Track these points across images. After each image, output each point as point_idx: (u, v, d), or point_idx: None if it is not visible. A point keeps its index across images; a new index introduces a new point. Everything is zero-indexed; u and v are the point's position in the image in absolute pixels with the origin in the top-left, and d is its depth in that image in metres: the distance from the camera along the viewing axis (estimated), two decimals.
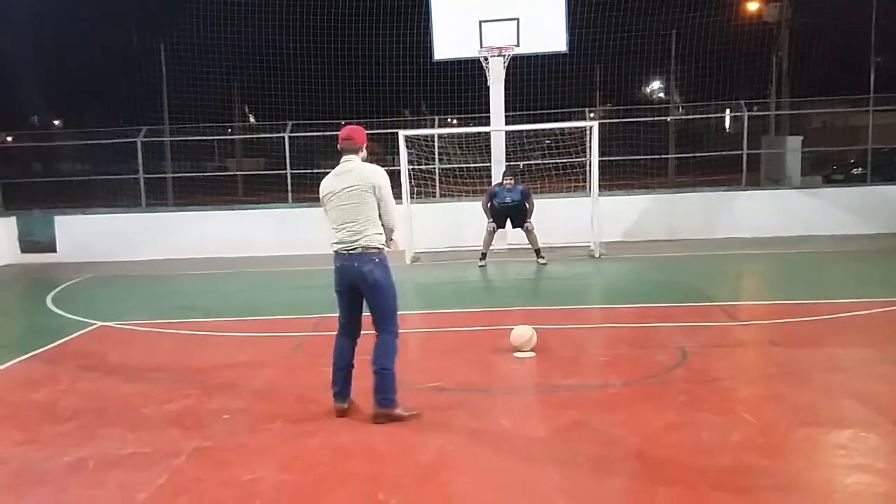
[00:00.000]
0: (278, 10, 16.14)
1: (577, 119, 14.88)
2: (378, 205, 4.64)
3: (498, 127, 12.99)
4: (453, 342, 6.91)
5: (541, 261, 11.34)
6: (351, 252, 4.63)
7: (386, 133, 14.66)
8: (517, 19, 12.26)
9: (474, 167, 14.52)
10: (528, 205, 11.32)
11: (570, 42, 12.83)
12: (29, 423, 4.98)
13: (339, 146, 4.78)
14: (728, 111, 18.35)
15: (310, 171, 14.56)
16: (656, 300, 8.60)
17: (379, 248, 4.67)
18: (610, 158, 14.64)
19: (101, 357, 6.70)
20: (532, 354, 6.11)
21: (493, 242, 11.64)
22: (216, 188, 17.16)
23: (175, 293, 10.53)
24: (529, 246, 11.47)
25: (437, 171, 14.60)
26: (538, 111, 15.56)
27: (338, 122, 13.70)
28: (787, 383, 5.31)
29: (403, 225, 10.14)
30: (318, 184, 4.84)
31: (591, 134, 12.38)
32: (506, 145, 13.14)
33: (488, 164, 13.55)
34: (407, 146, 12.40)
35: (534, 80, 15.34)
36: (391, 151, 14.55)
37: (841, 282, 9.61)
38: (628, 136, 15.65)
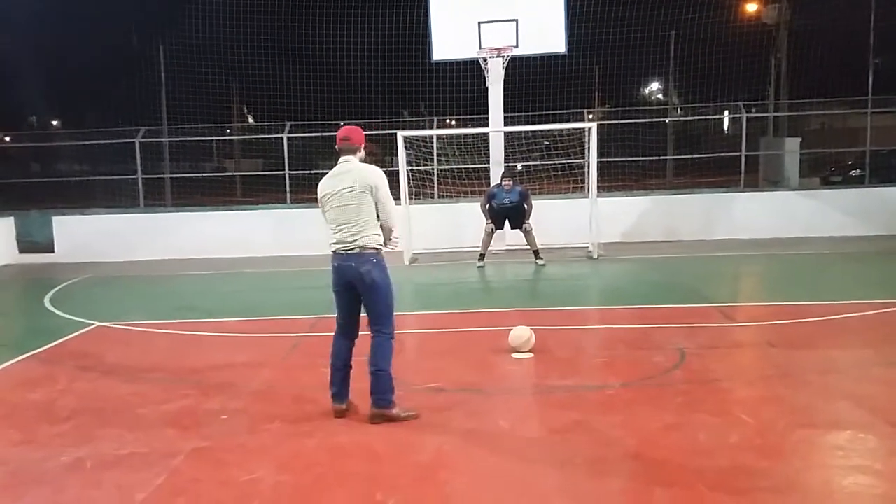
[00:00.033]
0: (277, 11, 16.13)
1: (576, 120, 14.90)
2: (376, 205, 4.64)
3: (496, 128, 12.98)
4: (451, 343, 6.91)
5: (539, 262, 11.34)
6: (349, 252, 4.63)
7: (384, 134, 14.68)
8: (516, 20, 12.25)
9: (473, 168, 14.53)
10: (526, 206, 11.32)
11: (569, 43, 12.80)
12: (26, 424, 4.97)
13: (337, 147, 4.78)
14: (727, 112, 18.32)
15: (308, 171, 14.58)
16: (654, 301, 8.61)
17: (377, 249, 4.68)
18: (608, 160, 14.67)
19: (99, 357, 6.69)
20: (530, 355, 6.11)
21: (492, 243, 11.65)
22: (214, 189, 17.11)
23: (173, 293, 10.53)
24: (528, 247, 11.47)
25: (435, 171, 14.62)
26: (537, 112, 15.57)
27: (336, 122, 13.69)
28: (785, 385, 5.31)
29: (402, 226, 10.13)
30: (317, 184, 4.84)
31: (589, 135, 12.37)
32: (504, 146, 13.12)
33: (487, 165, 13.55)
34: (405, 147, 12.38)
35: (532, 82, 15.36)
36: (390, 152, 14.55)
37: (839, 283, 9.62)
38: (627, 138, 15.65)
